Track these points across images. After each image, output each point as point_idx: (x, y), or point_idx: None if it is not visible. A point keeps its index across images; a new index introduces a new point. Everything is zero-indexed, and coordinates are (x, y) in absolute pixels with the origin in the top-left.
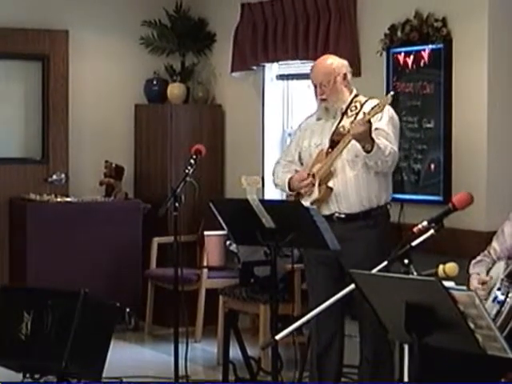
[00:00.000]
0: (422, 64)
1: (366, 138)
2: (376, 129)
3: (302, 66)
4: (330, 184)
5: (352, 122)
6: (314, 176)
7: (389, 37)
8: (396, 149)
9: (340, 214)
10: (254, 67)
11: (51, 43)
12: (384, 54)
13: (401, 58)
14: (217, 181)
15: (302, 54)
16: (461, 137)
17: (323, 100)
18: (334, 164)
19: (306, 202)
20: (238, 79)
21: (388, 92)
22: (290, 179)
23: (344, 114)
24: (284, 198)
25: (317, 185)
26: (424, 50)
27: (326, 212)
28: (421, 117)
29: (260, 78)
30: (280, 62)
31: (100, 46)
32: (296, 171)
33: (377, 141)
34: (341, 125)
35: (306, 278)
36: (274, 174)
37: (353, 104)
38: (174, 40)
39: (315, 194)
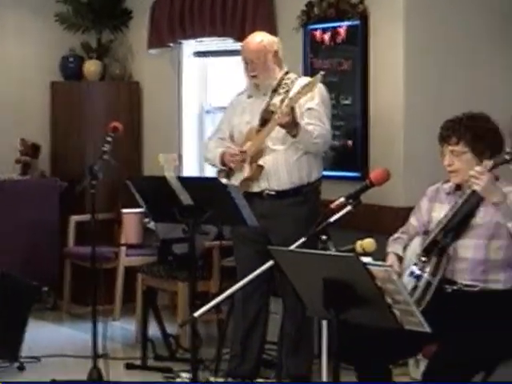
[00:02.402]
0: (339, 40)
1: (291, 124)
2: (308, 109)
3: (219, 43)
4: (261, 162)
5: (282, 101)
6: (244, 153)
7: (306, 13)
8: (328, 128)
9: (270, 191)
10: (171, 44)
11: None
12: (301, 30)
13: (318, 34)
14: (134, 158)
15: (219, 30)
16: (378, 113)
17: (254, 77)
18: (264, 142)
19: (236, 181)
20: (155, 56)
21: (305, 69)
22: (223, 154)
23: (274, 91)
24: (214, 175)
25: (247, 163)
26: (341, 27)
27: (256, 189)
28: (338, 93)
29: (177, 55)
30: (197, 39)
31: (14, 23)
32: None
33: (302, 124)
34: (271, 102)
35: (234, 254)
36: (206, 150)
37: (283, 81)
38: (90, 17)
39: (246, 173)
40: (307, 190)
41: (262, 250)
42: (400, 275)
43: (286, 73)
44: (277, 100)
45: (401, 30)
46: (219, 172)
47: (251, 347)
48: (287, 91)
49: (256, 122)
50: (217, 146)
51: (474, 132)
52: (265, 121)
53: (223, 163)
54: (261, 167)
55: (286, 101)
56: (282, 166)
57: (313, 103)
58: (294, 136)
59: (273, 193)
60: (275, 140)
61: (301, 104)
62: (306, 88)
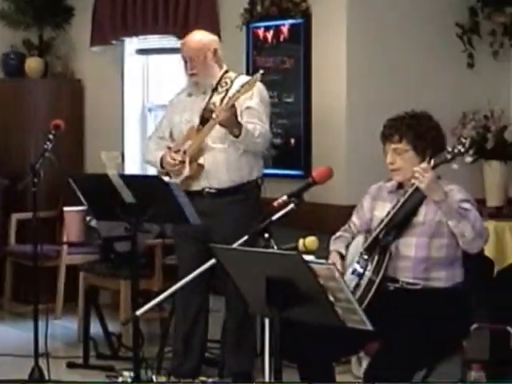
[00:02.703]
0: (281, 39)
1: (233, 123)
2: (247, 108)
3: (161, 41)
4: (201, 161)
5: (222, 99)
6: (184, 152)
7: (249, 11)
8: (267, 127)
9: (210, 189)
10: (114, 41)
11: None
12: (244, 28)
13: (261, 32)
14: (77, 156)
15: (161, 28)
16: (320, 111)
17: (193, 75)
18: (204, 141)
19: (177, 179)
20: (97, 54)
21: (248, 67)
22: (163, 157)
23: (214, 90)
24: (156, 173)
25: (187, 162)
26: (284, 25)
27: (197, 187)
28: (281, 91)
29: (120, 53)
30: (140, 37)
31: None
32: (168, 148)
33: (244, 123)
34: (211, 101)
35: (176, 253)
36: (146, 151)
37: (223, 80)
38: (31, 14)
39: (186, 172)
40: (248, 187)
41: (204, 248)
42: (342, 273)
43: (226, 71)
44: (217, 99)
45: (344, 29)
46: (159, 174)
47: (193, 345)
48: (227, 90)
49: (196, 120)
50: (157, 147)
51: (416, 130)
52: (205, 119)
53: (163, 166)
54: (201, 166)
55: (226, 99)
56: (221, 165)
57: (252, 102)
58: (237, 136)
59: (213, 191)
60: (215, 138)
61: (240, 103)
62: (246, 87)
